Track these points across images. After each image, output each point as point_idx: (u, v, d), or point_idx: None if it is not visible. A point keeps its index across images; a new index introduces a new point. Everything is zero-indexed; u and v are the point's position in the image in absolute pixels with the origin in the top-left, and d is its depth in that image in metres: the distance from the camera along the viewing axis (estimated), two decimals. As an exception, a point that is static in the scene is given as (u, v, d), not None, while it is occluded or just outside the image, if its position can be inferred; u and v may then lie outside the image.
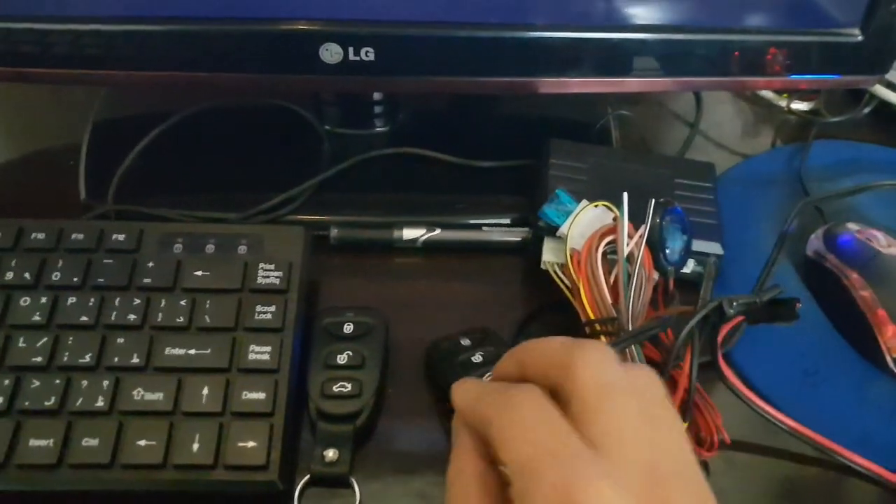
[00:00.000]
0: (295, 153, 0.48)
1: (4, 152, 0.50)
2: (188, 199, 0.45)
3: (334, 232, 0.44)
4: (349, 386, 0.37)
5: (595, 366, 0.26)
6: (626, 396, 0.25)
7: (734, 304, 0.33)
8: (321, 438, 0.36)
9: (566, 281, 0.41)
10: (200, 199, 0.45)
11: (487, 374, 0.36)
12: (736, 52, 0.44)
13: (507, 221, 0.46)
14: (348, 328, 0.39)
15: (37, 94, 0.53)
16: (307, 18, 0.41)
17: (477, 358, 0.38)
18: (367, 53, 0.42)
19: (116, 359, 0.37)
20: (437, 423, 0.38)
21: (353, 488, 0.36)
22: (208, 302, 0.39)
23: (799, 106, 0.54)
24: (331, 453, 0.36)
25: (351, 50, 0.41)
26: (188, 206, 0.45)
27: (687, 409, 0.34)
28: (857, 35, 0.44)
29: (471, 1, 0.41)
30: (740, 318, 0.34)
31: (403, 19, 0.41)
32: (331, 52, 0.42)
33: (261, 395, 0.36)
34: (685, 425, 0.34)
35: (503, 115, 0.54)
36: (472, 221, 0.46)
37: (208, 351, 0.37)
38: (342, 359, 0.38)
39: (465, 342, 0.39)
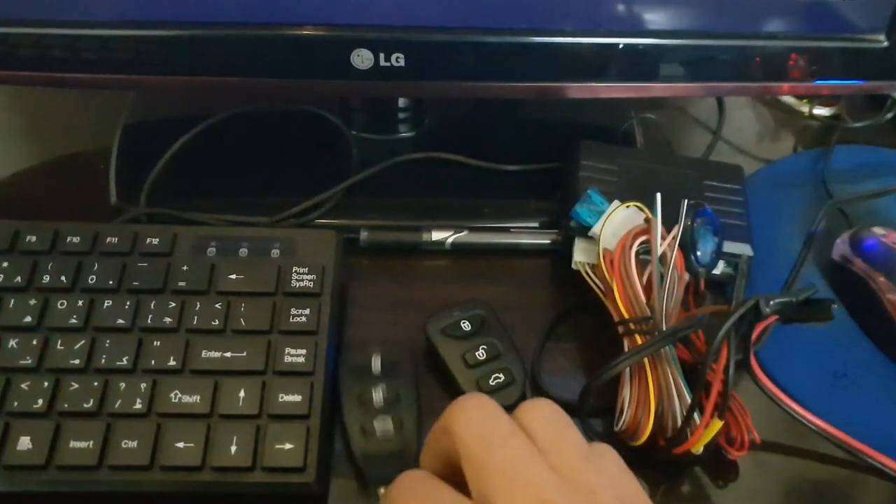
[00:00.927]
0: (324, 158, 0.49)
1: (37, 156, 0.51)
2: (219, 202, 0.46)
3: (364, 234, 0.44)
4: (502, 376, 0.39)
5: (474, 422, 0.25)
6: (513, 442, 0.24)
7: (770, 302, 0.33)
8: (373, 479, 0.36)
9: (598, 281, 0.41)
10: (232, 202, 0.46)
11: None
12: (759, 58, 0.45)
13: (536, 224, 0.47)
14: (466, 326, 0.40)
15: (68, 98, 0.53)
16: (339, 24, 0.41)
17: (481, 354, 0.39)
18: (398, 59, 0.42)
19: (153, 361, 0.37)
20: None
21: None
22: (243, 305, 0.39)
23: (821, 111, 0.55)
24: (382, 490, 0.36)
25: (382, 56, 0.42)
26: (219, 209, 0.45)
27: (723, 409, 0.35)
28: (882, 41, 0.44)
29: (499, 6, 0.42)
30: (774, 317, 0.34)
31: (433, 25, 0.42)
32: (362, 58, 0.42)
33: (297, 398, 0.36)
34: (719, 424, 0.35)
35: (528, 118, 0.54)
36: (501, 224, 0.46)
37: (244, 354, 0.37)
38: (480, 355, 0.39)
39: (465, 325, 0.40)
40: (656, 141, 0.52)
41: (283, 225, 0.45)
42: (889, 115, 0.53)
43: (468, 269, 0.45)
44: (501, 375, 0.39)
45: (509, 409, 0.37)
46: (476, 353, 0.39)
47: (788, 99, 0.56)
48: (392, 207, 0.47)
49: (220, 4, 0.41)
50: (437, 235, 0.45)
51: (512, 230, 0.46)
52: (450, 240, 0.45)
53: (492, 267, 0.45)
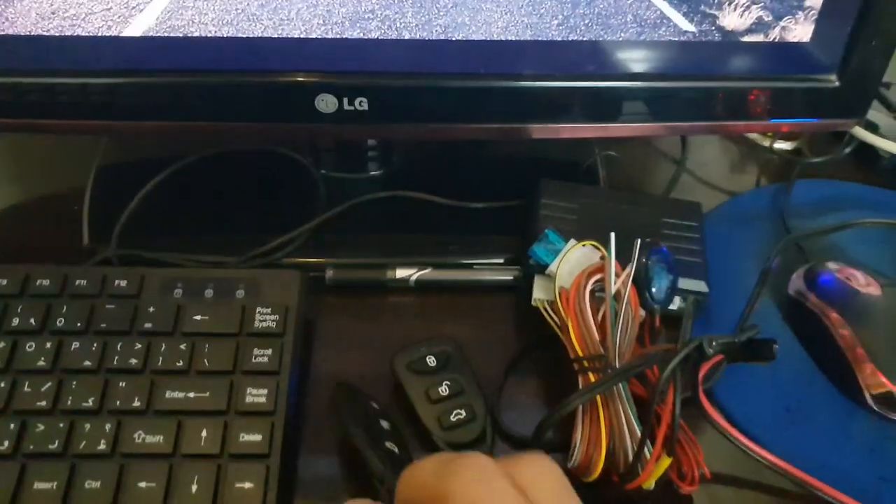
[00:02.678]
0: (292, 197, 0.50)
1: (10, 198, 0.52)
2: (189, 243, 0.47)
3: (330, 273, 0.45)
4: (463, 412, 0.39)
5: (474, 487, 0.24)
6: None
7: (713, 343, 0.34)
8: None
9: (556, 318, 0.42)
10: (201, 243, 0.47)
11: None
12: (718, 97, 0.46)
13: (501, 261, 0.48)
14: (431, 361, 0.41)
15: (42, 141, 0.55)
16: (303, 70, 0.43)
17: (444, 389, 0.40)
18: (361, 103, 0.43)
19: (118, 402, 0.38)
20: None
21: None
22: (207, 346, 0.40)
23: (782, 146, 0.56)
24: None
25: (345, 100, 0.43)
26: (189, 250, 0.46)
27: (670, 445, 0.35)
28: (834, 81, 0.45)
29: (460, 53, 0.43)
30: (719, 357, 0.35)
31: (395, 70, 0.43)
32: (326, 103, 0.43)
33: (257, 437, 0.37)
34: (668, 461, 0.35)
35: (494, 156, 0.55)
36: (464, 261, 0.47)
37: (207, 394, 0.38)
38: (443, 390, 0.40)
39: (431, 361, 0.41)
40: (619, 177, 0.53)
41: (249, 265, 0.46)
42: (847, 150, 0.54)
43: (433, 306, 0.46)
44: (463, 411, 0.40)
45: (471, 444, 0.39)
46: (439, 389, 0.40)
47: (752, 134, 0.57)
48: (359, 245, 0.48)
49: (191, 53, 0.42)
50: (401, 273, 0.46)
51: (475, 267, 0.47)
52: (414, 277, 0.46)
53: (456, 303, 0.46)
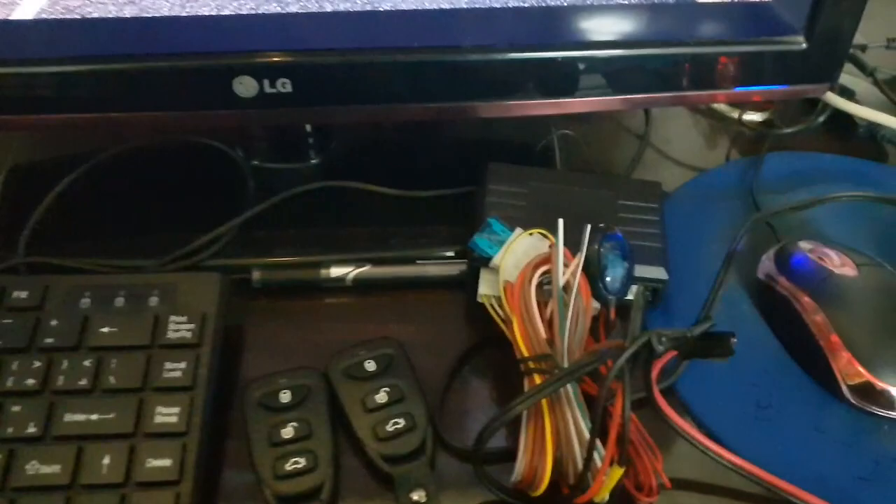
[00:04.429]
0: (219, 192, 0.46)
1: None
2: (105, 247, 0.43)
3: (256, 274, 0.41)
4: (303, 461, 0.35)
5: None
6: None
7: (663, 339, 0.30)
8: None
9: (502, 315, 0.38)
10: (118, 246, 0.43)
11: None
12: (680, 65, 0.42)
13: (451, 253, 0.44)
14: (285, 397, 0.37)
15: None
16: (217, 52, 0.39)
17: (382, 397, 0.36)
18: (284, 85, 0.39)
19: (11, 429, 0.34)
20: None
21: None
22: (114, 361, 0.36)
23: (752, 117, 0.52)
24: None
25: (266, 82, 0.39)
26: (104, 254, 0.42)
27: (623, 453, 0.32)
28: (801, 43, 0.41)
29: (390, 24, 0.39)
30: (672, 353, 0.32)
31: (319, 47, 0.39)
32: (245, 86, 0.39)
33: (167, 462, 0.33)
34: (620, 471, 0.32)
35: (445, 139, 0.51)
36: (408, 255, 0.44)
37: (112, 415, 0.35)
38: (287, 433, 0.35)
39: (370, 366, 0.37)
40: (578, 157, 0.49)
41: (170, 268, 0.42)
42: (821, 119, 0.51)
43: (374, 306, 0.42)
44: (402, 420, 0.36)
45: (409, 457, 0.35)
46: (376, 397, 0.37)
47: (720, 105, 0.53)
48: (292, 242, 0.44)
49: (91, 36, 0.38)
50: (336, 271, 0.42)
51: (418, 262, 0.43)
52: (351, 275, 0.42)
53: (399, 302, 0.43)
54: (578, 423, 0.33)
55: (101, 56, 0.39)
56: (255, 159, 0.47)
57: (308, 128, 0.48)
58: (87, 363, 0.36)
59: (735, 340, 0.31)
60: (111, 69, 0.39)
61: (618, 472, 0.32)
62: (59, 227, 0.44)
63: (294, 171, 0.48)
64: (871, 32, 0.55)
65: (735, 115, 0.52)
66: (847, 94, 0.52)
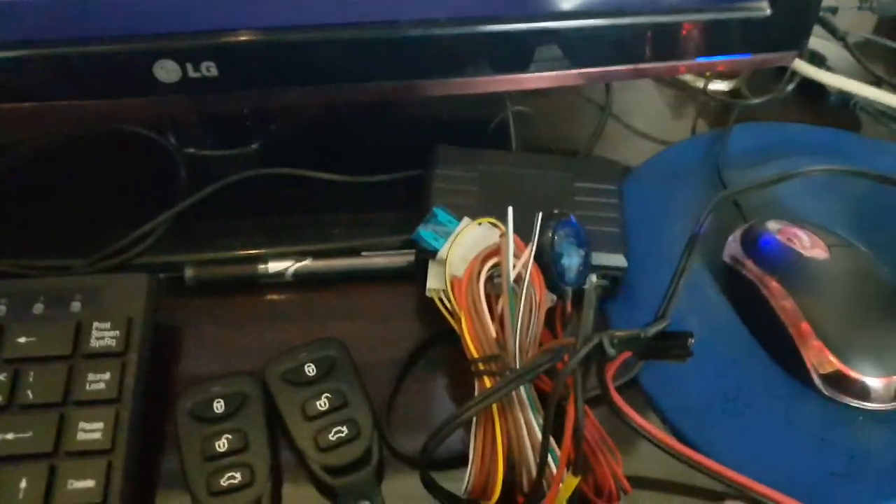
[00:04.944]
0: (151, 184, 0.43)
1: None
2: (27, 247, 0.40)
3: (189, 272, 0.39)
4: (238, 475, 0.32)
5: None
6: None
7: (615, 340, 0.28)
8: None
9: (451, 310, 0.36)
10: (41, 246, 0.40)
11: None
12: (639, 37, 0.40)
13: (398, 244, 0.41)
14: (219, 406, 0.34)
15: None
16: (134, 34, 0.36)
17: (323, 404, 0.34)
18: (209, 68, 0.36)
19: (-83, 452, 0.32)
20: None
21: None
22: (32, 373, 0.33)
23: (719, 87, 0.50)
24: None
25: (189, 66, 0.36)
26: (27, 254, 0.39)
27: (578, 460, 0.30)
28: (765, 8, 0.39)
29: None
30: (626, 354, 0.29)
31: (245, 25, 0.36)
32: (167, 70, 0.36)
33: (90, 483, 0.31)
34: (576, 480, 0.30)
35: (392, 121, 0.48)
36: (352, 245, 0.41)
37: (30, 434, 0.32)
38: (221, 445, 0.33)
39: (309, 370, 0.35)
40: (534, 136, 0.46)
41: (93, 269, 0.39)
42: (790, 87, 0.48)
43: (317, 302, 0.40)
44: (345, 428, 0.34)
45: (352, 466, 0.33)
46: (317, 403, 0.34)
47: (684, 75, 0.50)
48: (229, 235, 0.41)
49: (4, 22, 0.35)
50: (275, 266, 0.39)
51: (363, 253, 0.40)
52: (291, 270, 0.39)
53: (344, 297, 0.40)
54: (532, 427, 0.31)
55: (12, 41, 0.35)
56: (188, 147, 0.44)
57: (245, 111, 0.45)
58: (2, 377, 0.33)
59: (692, 340, 0.28)
60: (23, 55, 0.35)
61: (573, 481, 0.30)
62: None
63: (231, 158, 0.45)
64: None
65: (700, 84, 0.50)
66: (818, 60, 0.49)
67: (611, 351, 0.28)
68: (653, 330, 0.28)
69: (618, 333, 0.28)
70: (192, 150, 0.44)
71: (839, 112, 0.49)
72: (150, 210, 0.41)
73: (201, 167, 0.44)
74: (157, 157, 0.44)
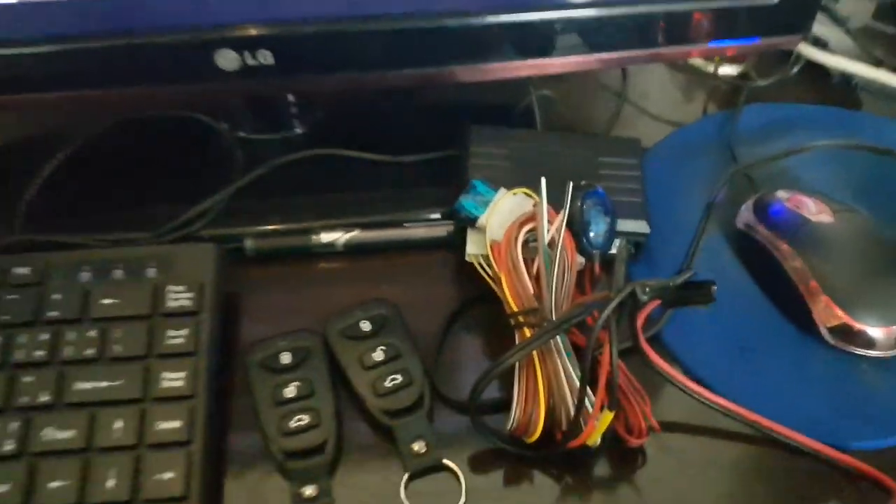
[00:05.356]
0: (208, 165, 0.47)
1: None
2: (98, 222, 0.43)
3: (249, 243, 0.42)
4: (306, 418, 0.36)
5: None
6: None
7: (647, 289, 0.32)
8: (294, 477, 0.35)
9: (491, 273, 0.40)
10: (111, 221, 0.44)
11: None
12: (653, 22, 0.43)
13: (437, 216, 0.45)
14: (286, 358, 0.38)
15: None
16: (197, 25, 0.39)
17: (378, 355, 0.38)
18: (265, 56, 0.40)
19: (25, 399, 0.35)
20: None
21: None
22: (118, 330, 0.37)
23: (728, 70, 0.53)
24: (309, 490, 0.35)
25: (247, 54, 0.40)
26: (98, 229, 0.43)
27: (612, 398, 0.33)
28: (773, -4, 0.42)
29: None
30: (656, 302, 0.33)
31: (298, 17, 0.40)
32: (227, 59, 0.40)
33: (176, 424, 0.35)
34: (610, 415, 0.33)
35: (427, 104, 0.52)
36: (396, 218, 0.45)
37: (120, 382, 0.36)
38: (290, 392, 0.37)
39: (365, 326, 0.39)
40: (557, 117, 0.50)
41: (164, 240, 0.43)
42: (795, 70, 0.52)
43: (365, 269, 0.43)
44: (399, 376, 0.37)
45: (408, 410, 0.37)
46: (373, 355, 0.38)
47: (695, 60, 0.54)
48: (283, 210, 0.45)
49: (76, 15, 0.38)
50: (327, 237, 0.43)
51: (406, 224, 0.44)
52: (342, 240, 0.43)
53: (390, 264, 0.44)
54: (569, 372, 0.35)
55: (83, 34, 0.39)
56: (240, 131, 0.48)
57: (291, 98, 0.49)
58: (91, 333, 0.37)
59: (715, 288, 0.32)
60: (94, 47, 0.39)
61: (608, 417, 0.33)
62: (51, 205, 0.45)
63: (280, 141, 0.49)
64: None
65: (711, 69, 0.53)
66: (821, 44, 0.53)
67: (643, 297, 0.31)
68: (680, 279, 0.32)
69: (649, 282, 0.32)
70: (243, 134, 0.48)
71: (841, 92, 0.52)
72: (208, 188, 0.45)
73: (252, 149, 0.47)
74: (213, 141, 0.47)
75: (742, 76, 0.53)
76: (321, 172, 0.47)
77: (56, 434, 0.34)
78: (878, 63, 0.52)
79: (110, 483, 0.33)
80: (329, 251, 0.43)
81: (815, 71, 0.52)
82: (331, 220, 0.44)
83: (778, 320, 0.41)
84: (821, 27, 0.54)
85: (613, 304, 0.31)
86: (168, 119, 0.48)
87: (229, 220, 0.44)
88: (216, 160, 0.47)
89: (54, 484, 0.33)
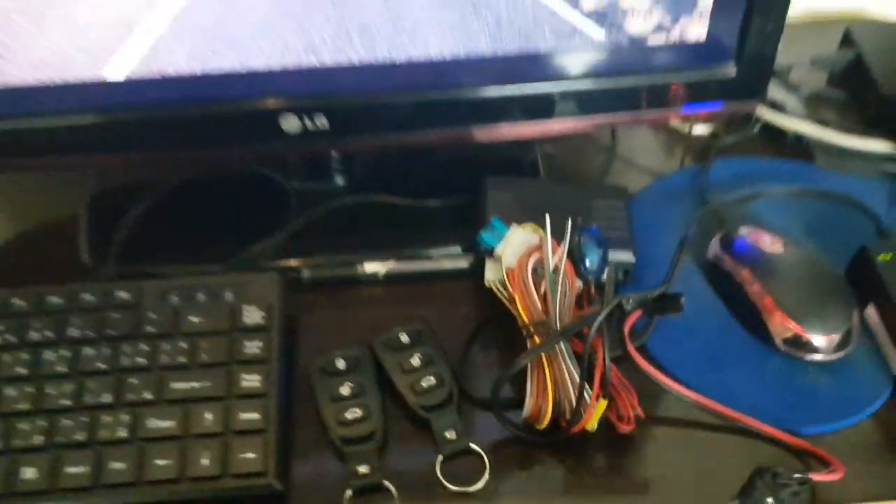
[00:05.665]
0: (269, 209, 0.56)
1: (13, 229, 0.58)
2: (180, 256, 0.53)
3: (305, 273, 0.52)
4: (359, 411, 0.45)
5: None
6: None
7: (630, 300, 0.40)
8: (350, 459, 0.43)
9: (505, 294, 0.48)
10: (191, 255, 0.53)
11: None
12: (637, 92, 0.52)
13: (458, 249, 0.54)
14: (341, 364, 0.47)
15: (32, 177, 0.60)
16: (267, 96, 0.49)
17: (416, 361, 0.46)
18: (321, 121, 0.49)
19: (132, 396, 0.44)
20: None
21: (389, 491, 0.43)
22: (204, 342, 0.46)
23: (700, 130, 0.63)
24: (362, 469, 0.43)
25: (307, 119, 0.49)
26: (181, 261, 0.52)
27: (605, 389, 0.42)
28: (732, 70, 0.52)
29: (404, 71, 0.49)
30: (639, 312, 0.42)
31: (349, 90, 0.49)
32: (290, 123, 0.49)
33: (255, 416, 0.43)
34: (605, 402, 0.42)
35: (451, 158, 0.61)
36: (426, 252, 0.54)
37: (208, 383, 0.44)
38: (345, 391, 0.45)
39: (404, 338, 0.47)
40: (558, 169, 0.60)
41: (234, 271, 0.52)
42: (756, 129, 0.61)
43: (402, 294, 0.52)
44: (433, 378, 0.46)
45: (440, 405, 0.45)
46: (412, 361, 0.47)
47: (673, 122, 0.64)
48: (332, 246, 0.54)
49: (168, 89, 0.48)
50: (370, 268, 0.52)
51: (434, 257, 0.53)
52: (382, 271, 0.52)
53: (422, 289, 0.53)
54: (571, 371, 0.43)
55: (175, 104, 0.48)
56: (294, 182, 0.58)
57: (336, 154, 0.58)
58: (182, 345, 0.46)
59: (684, 299, 0.41)
60: (184, 114, 0.49)
61: (602, 405, 0.42)
62: (140, 243, 0.54)
63: (326, 189, 0.58)
64: (799, 54, 0.66)
65: (686, 129, 0.63)
66: (778, 107, 0.62)
67: (628, 307, 0.40)
68: (656, 292, 0.41)
69: (632, 295, 0.40)
70: (296, 184, 0.57)
71: (795, 147, 0.62)
72: (270, 228, 0.54)
73: (304, 196, 0.57)
74: (273, 190, 0.57)
75: (712, 135, 0.63)
76: (363, 215, 0.56)
77: (159, 423, 0.43)
78: (825, 124, 0.61)
79: (204, 461, 0.42)
80: (371, 280, 0.52)
81: (773, 130, 0.62)
82: (372, 254, 0.53)
83: (741, 333, 0.49)
84: (779, 93, 0.64)
85: (605, 312, 0.40)
86: (235, 172, 0.58)
87: (289, 254, 0.53)
88: (276, 205, 0.56)
89: (160, 462, 0.42)
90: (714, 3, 0.49)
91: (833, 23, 0.73)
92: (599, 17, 0.48)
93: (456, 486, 0.43)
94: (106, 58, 0.46)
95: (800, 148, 0.61)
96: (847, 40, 0.68)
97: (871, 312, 0.48)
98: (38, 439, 0.42)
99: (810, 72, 0.66)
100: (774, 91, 0.63)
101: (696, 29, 0.50)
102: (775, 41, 0.51)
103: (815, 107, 0.64)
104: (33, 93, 0.46)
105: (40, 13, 0.44)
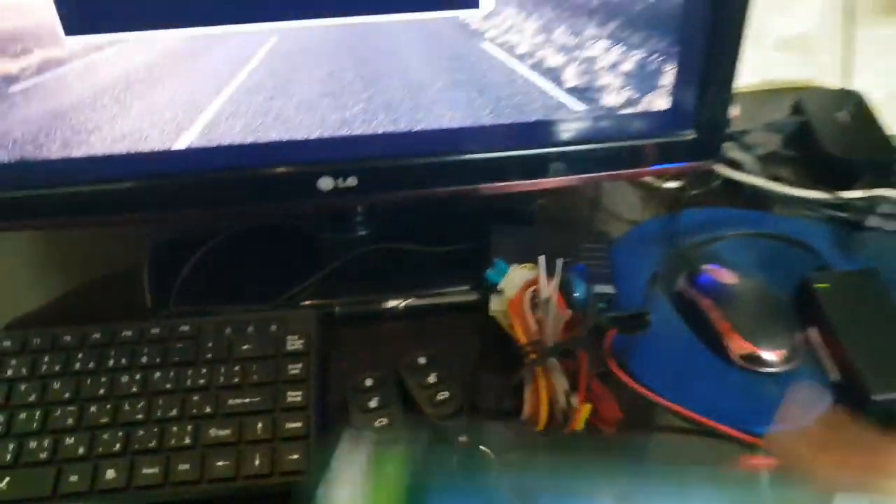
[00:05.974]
0: (303, 256, 0.66)
1: (86, 274, 0.67)
2: (230, 297, 0.62)
3: (337, 309, 0.61)
4: (385, 420, 0.52)
5: None
6: None
7: (606, 319, 0.50)
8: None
9: (507, 322, 0.57)
10: (239, 296, 0.62)
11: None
12: (615, 154, 0.62)
13: (467, 287, 0.63)
14: (370, 383, 0.55)
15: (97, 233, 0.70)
16: (306, 161, 0.59)
17: (432, 379, 0.55)
18: (351, 181, 0.59)
19: (195, 410, 0.52)
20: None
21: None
22: (254, 366, 0.55)
23: (670, 185, 0.73)
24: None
25: (339, 179, 0.59)
26: (230, 302, 0.61)
27: (588, 395, 0.51)
28: (692, 133, 0.62)
29: (422, 139, 0.59)
30: (614, 330, 0.51)
31: (376, 155, 0.59)
32: (325, 183, 0.59)
33: (298, 424, 0.52)
34: (588, 406, 0.51)
35: (459, 210, 0.71)
36: (438, 290, 0.63)
37: (259, 398, 0.53)
38: (373, 403, 0.53)
39: (422, 361, 0.56)
40: (552, 216, 0.70)
41: (278, 308, 0.61)
42: (716, 184, 0.72)
43: (419, 325, 0.61)
44: (447, 392, 0.54)
45: (452, 415, 0.53)
46: (428, 379, 0.55)
47: (647, 178, 0.74)
48: (359, 286, 0.63)
49: (224, 156, 0.57)
50: (391, 303, 0.61)
51: (446, 294, 0.62)
52: (402, 305, 0.61)
53: (436, 321, 0.62)
54: (561, 383, 0.52)
55: (229, 168, 0.58)
56: (325, 233, 0.67)
57: (360, 208, 0.68)
58: (236, 368, 0.55)
59: (649, 317, 0.50)
60: (235, 177, 0.58)
61: (587, 408, 0.51)
62: (195, 286, 0.63)
63: (351, 239, 0.68)
64: (755, 120, 0.77)
65: (658, 183, 0.73)
66: (737, 164, 0.73)
67: (605, 324, 0.49)
68: (627, 312, 0.50)
69: (607, 315, 0.50)
70: (327, 235, 0.67)
71: (751, 198, 0.72)
72: (304, 273, 0.63)
73: (333, 245, 0.66)
74: (303, 241, 0.66)
75: (680, 189, 0.73)
76: (384, 260, 0.65)
77: (218, 432, 0.51)
78: (779, 178, 0.71)
79: (257, 462, 0.50)
80: (393, 314, 0.61)
81: (733, 184, 0.72)
82: (393, 292, 0.62)
83: (704, 352, 0.58)
84: (737, 153, 0.74)
85: (586, 328, 0.50)
86: (273, 226, 0.67)
87: (323, 294, 0.62)
88: (309, 253, 0.65)
89: (220, 463, 0.50)
90: (675, 80, 0.59)
91: (787, 90, 0.85)
92: (580, 93, 0.59)
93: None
94: (177, 134, 0.56)
95: (754, 198, 0.71)
96: (797, 108, 0.79)
97: (813, 332, 0.58)
98: (115, 447, 0.51)
99: (765, 134, 0.77)
100: (733, 151, 0.74)
101: (660, 101, 0.60)
102: (724, 111, 0.62)
103: (769, 164, 0.74)
104: (112, 161, 0.56)
105: (125, 97, 0.54)
